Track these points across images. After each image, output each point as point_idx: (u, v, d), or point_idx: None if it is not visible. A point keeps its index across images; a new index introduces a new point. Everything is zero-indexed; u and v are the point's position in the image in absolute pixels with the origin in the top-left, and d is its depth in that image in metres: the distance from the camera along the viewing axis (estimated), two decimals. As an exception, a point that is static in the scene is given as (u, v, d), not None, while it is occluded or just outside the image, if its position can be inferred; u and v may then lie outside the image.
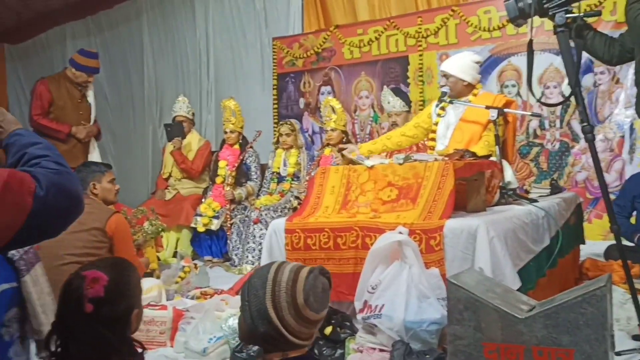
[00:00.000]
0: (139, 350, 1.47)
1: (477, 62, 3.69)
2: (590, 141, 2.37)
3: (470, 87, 3.62)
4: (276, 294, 1.39)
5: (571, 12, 2.40)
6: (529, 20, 2.53)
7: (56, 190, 1.29)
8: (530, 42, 2.48)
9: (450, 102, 3.52)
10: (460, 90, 3.60)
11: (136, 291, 1.48)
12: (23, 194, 1.24)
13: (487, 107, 3.32)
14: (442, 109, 3.68)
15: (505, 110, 3.28)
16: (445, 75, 3.68)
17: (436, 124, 3.70)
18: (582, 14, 2.40)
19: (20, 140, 1.41)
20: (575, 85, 2.36)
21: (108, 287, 1.35)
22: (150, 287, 3.40)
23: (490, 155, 3.23)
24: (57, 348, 1.37)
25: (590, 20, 2.56)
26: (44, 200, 1.26)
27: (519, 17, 2.51)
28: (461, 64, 3.63)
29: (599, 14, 2.70)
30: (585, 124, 2.38)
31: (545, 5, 2.42)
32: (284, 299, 1.39)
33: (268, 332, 1.40)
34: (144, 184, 6.58)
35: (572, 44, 2.44)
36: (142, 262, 3.70)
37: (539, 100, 2.71)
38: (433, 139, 3.71)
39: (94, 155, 5.29)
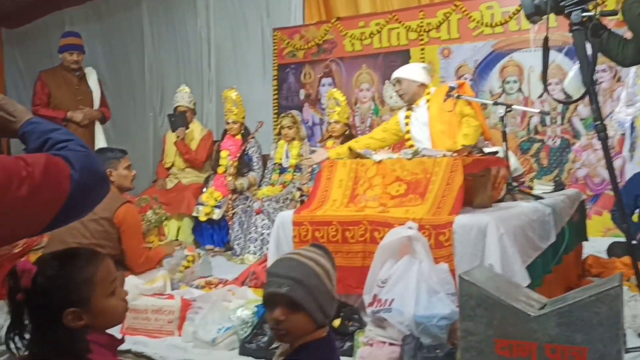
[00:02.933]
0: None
1: (425, 68, 4.03)
2: (603, 140, 2.40)
3: (423, 88, 3.91)
4: (329, 275, 1.54)
5: (587, 11, 2.41)
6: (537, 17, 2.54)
7: (88, 172, 1.28)
8: (546, 39, 2.48)
9: (458, 97, 3.54)
10: (415, 92, 3.90)
11: (77, 288, 1.34)
12: (60, 177, 1.23)
13: (495, 104, 3.34)
14: (407, 117, 3.93)
15: (514, 107, 3.30)
16: (399, 81, 3.95)
17: (408, 131, 3.93)
18: (598, 13, 2.41)
19: (39, 127, 1.39)
20: (590, 84, 2.37)
21: (36, 279, 1.31)
22: (155, 277, 3.41)
23: (496, 152, 3.26)
24: (9, 342, 1.33)
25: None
26: (79, 183, 1.25)
27: (534, 13, 2.51)
28: (410, 68, 4.00)
29: (615, 13, 2.69)
30: (598, 122, 2.40)
31: (562, 3, 2.43)
32: (333, 274, 1.56)
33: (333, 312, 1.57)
34: (146, 173, 6.54)
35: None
36: (163, 251, 3.64)
37: (557, 99, 2.73)
38: (412, 146, 3.83)
39: (100, 140, 5.30)
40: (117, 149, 3.61)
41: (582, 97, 2.57)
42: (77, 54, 5.37)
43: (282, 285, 1.48)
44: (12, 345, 1.33)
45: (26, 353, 1.34)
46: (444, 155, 2.95)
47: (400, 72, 3.96)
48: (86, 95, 5.43)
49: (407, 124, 3.95)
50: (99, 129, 5.42)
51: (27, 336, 1.35)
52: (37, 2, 7.45)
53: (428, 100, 3.86)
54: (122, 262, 3.38)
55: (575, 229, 3.54)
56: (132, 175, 3.47)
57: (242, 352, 2.67)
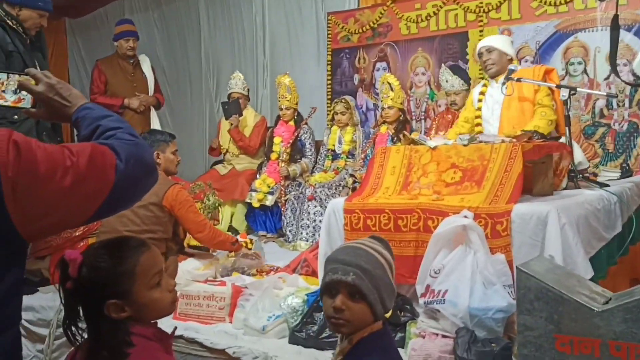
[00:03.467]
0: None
1: (512, 42, 3.92)
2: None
3: (510, 62, 3.71)
4: (392, 268, 1.52)
5: (661, -14, 2.23)
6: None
7: (134, 161, 1.27)
8: (616, 17, 2.32)
9: (518, 81, 3.38)
10: (503, 64, 3.69)
11: (118, 280, 1.33)
12: (105, 167, 1.22)
13: (558, 87, 3.18)
14: (482, 93, 3.74)
15: (579, 89, 3.13)
16: (489, 50, 3.73)
17: (479, 109, 3.74)
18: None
19: (91, 114, 1.39)
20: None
21: (81, 269, 1.31)
22: (207, 264, 3.43)
23: (559, 137, 3.10)
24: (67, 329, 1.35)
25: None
26: (125, 173, 1.24)
27: (603, -10, 2.36)
28: (502, 39, 3.85)
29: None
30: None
31: (632, -21, 2.26)
32: (394, 267, 1.54)
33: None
34: (201, 158, 6.65)
35: None
36: (230, 238, 3.63)
37: (625, 81, 2.55)
38: (479, 124, 3.65)
39: (155, 126, 5.41)
40: (167, 132, 3.60)
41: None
42: (133, 41, 5.50)
43: (349, 273, 1.45)
44: (69, 332, 1.35)
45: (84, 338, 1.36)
46: (502, 141, 2.83)
47: (492, 41, 3.76)
48: (141, 82, 5.56)
49: (480, 100, 3.76)
50: (154, 115, 5.55)
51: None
52: (98, -9, 7.63)
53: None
54: (176, 244, 3.40)
55: (643, 219, 3.35)
56: (177, 160, 3.47)
57: (292, 340, 2.65)
